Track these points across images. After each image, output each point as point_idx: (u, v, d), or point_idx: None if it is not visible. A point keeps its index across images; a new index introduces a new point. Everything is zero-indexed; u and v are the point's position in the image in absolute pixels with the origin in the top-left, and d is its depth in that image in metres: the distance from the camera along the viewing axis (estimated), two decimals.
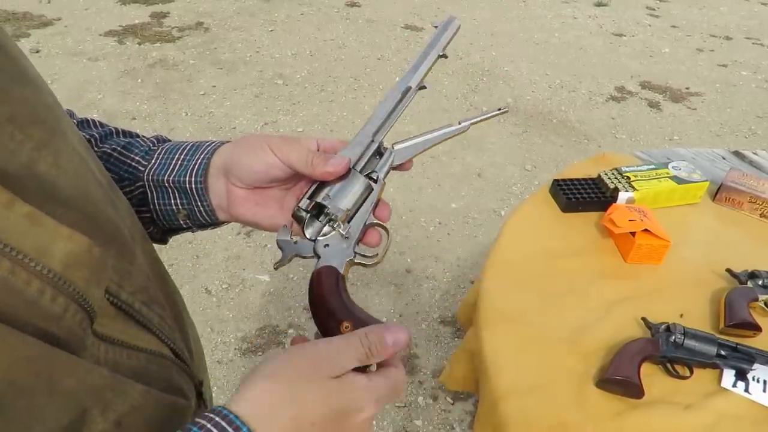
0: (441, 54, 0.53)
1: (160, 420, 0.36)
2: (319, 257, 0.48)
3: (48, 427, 0.27)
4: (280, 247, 0.49)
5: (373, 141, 0.51)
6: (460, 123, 0.52)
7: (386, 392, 0.40)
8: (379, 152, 0.52)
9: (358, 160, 0.51)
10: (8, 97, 0.30)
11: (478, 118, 0.53)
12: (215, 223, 0.55)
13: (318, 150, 0.51)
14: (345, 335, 0.41)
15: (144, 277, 0.39)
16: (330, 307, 0.46)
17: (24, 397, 0.26)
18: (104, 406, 0.30)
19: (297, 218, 0.49)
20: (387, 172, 0.52)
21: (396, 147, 0.53)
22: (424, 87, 0.53)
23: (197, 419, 0.33)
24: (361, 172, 0.51)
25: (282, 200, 0.53)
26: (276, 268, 0.50)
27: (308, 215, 0.49)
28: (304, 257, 0.49)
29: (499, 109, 0.53)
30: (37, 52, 3.75)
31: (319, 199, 0.48)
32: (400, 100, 0.52)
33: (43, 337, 0.27)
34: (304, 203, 0.49)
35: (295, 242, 0.49)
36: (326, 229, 0.48)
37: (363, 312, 0.46)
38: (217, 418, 0.32)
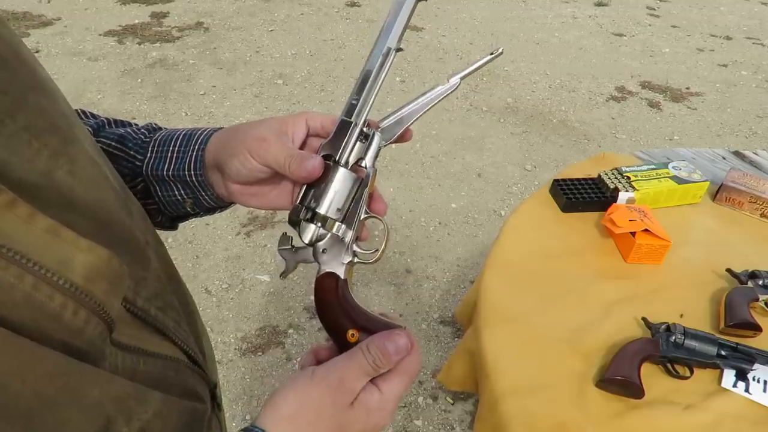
0: None
1: (180, 426, 0.36)
2: (319, 264, 0.47)
3: None
4: (282, 257, 0.48)
5: (355, 124, 0.46)
6: (448, 80, 0.46)
7: (401, 391, 0.43)
8: (365, 136, 0.47)
9: (342, 151, 0.46)
10: (24, 106, 0.30)
11: (468, 70, 0.46)
12: (222, 206, 0.55)
13: (308, 132, 0.49)
14: (349, 354, 0.42)
15: (158, 283, 0.39)
16: (333, 318, 0.46)
17: (52, 410, 0.26)
18: (128, 416, 0.30)
19: (292, 224, 0.47)
20: (375, 157, 0.47)
21: (383, 125, 0.47)
22: (401, 49, 0.45)
23: None
24: (347, 162, 0.46)
25: (279, 185, 0.51)
26: (283, 278, 0.49)
27: (302, 220, 0.46)
28: (308, 263, 0.47)
29: (492, 54, 0.46)
30: (37, 52, 3.75)
31: (306, 203, 0.46)
32: (381, 67, 0.46)
33: (65, 350, 0.27)
34: (296, 208, 0.46)
35: (295, 251, 0.48)
36: (321, 231, 0.46)
37: (367, 315, 0.46)
38: None
